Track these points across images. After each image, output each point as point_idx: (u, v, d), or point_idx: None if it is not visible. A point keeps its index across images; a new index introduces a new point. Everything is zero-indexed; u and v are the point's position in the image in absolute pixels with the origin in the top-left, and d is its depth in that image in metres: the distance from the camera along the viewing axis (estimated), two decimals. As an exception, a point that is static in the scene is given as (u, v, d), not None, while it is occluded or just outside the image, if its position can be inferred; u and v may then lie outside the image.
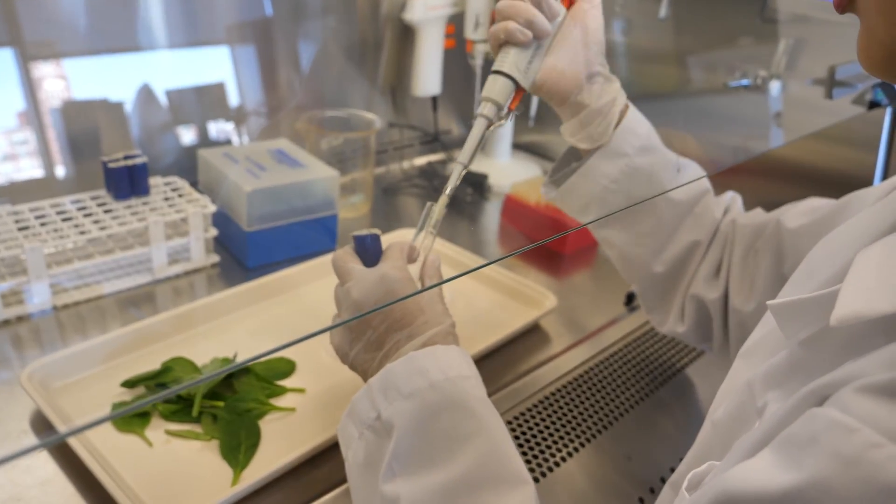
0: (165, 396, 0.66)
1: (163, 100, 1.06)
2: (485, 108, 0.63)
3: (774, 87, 1.06)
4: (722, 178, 1.21)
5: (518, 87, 0.64)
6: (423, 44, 1.18)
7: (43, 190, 0.96)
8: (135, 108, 1.04)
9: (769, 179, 1.20)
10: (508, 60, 0.63)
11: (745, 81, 1.07)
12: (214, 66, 1.12)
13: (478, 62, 1.19)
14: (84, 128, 1.00)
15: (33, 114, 0.96)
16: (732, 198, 0.75)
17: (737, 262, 0.70)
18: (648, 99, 1.28)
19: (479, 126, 0.63)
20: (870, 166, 1.00)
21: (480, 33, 1.16)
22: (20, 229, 0.82)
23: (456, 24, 1.19)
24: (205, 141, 1.12)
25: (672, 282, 0.73)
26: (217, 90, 1.12)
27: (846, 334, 0.37)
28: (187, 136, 1.11)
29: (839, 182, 1.06)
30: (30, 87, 0.95)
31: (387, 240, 0.62)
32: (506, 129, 1.26)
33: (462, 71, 1.23)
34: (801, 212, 0.67)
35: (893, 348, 0.30)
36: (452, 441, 0.48)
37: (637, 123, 0.70)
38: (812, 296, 0.39)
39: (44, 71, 0.96)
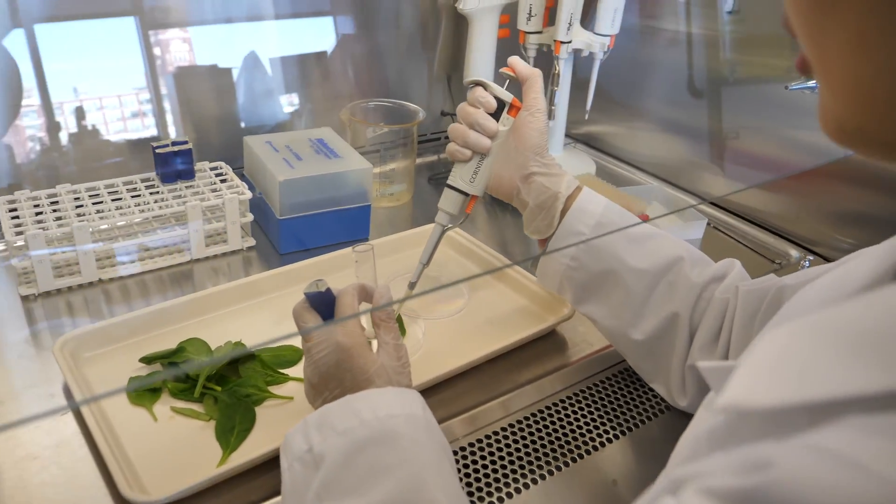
0: (147, 384, 0.73)
1: (232, 79, 1.12)
2: (439, 217, 0.76)
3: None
4: (799, 183, 1.13)
5: (469, 195, 0.75)
6: (476, 33, 1.17)
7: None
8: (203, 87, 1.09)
9: (853, 186, 1.11)
10: (455, 174, 0.75)
11: (812, 83, 1.00)
12: (275, 47, 1.16)
13: (531, 54, 1.17)
14: (193, 97, 1.09)
15: (150, 80, 1.05)
16: (729, 264, 0.73)
17: (738, 329, 0.68)
18: (725, 90, 1.21)
19: (435, 231, 0.76)
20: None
21: (533, 24, 1.14)
22: (76, 207, 0.90)
23: (511, 13, 1.18)
24: (264, 125, 1.17)
25: (659, 351, 0.73)
26: (287, 72, 1.17)
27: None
28: (251, 118, 1.16)
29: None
30: (148, 55, 1.04)
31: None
32: (557, 122, 1.24)
33: (518, 61, 1.21)
34: (804, 271, 0.66)
35: (748, 451, 0.28)
36: (375, 472, 0.52)
37: (589, 203, 0.75)
38: (733, 363, 0.37)
39: (161, 38, 1.04)
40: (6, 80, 0.95)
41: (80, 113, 1.01)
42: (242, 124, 1.15)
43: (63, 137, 1.01)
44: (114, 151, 1.05)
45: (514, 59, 0.76)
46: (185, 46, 1.07)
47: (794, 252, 1.08)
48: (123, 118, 1.06)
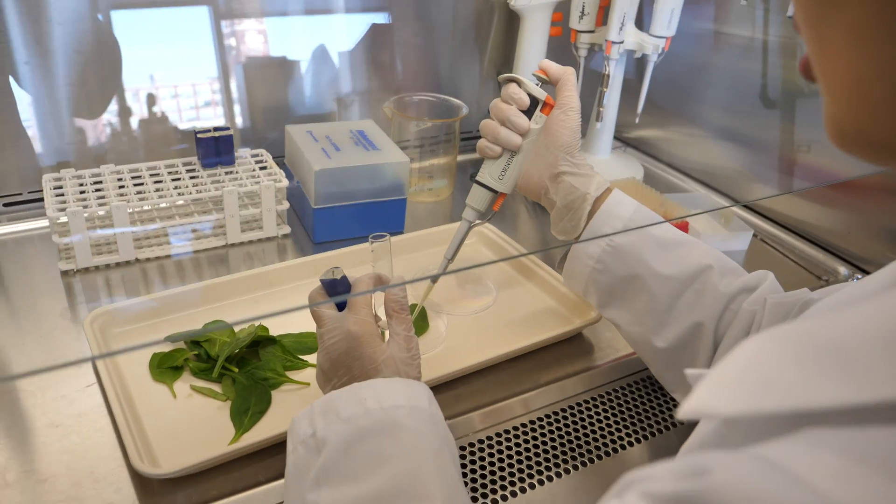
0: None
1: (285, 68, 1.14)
2: (466, 213, 0.75)
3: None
4: (850, 196, 1.07)
5: (497, 192, 0.74)
6: (527, 30, 1.16)
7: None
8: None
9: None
10: (485, 171, 0.74)
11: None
12: (330, 39, 1.18)
13: (581, 53, 1.15)
14: (253, 86, 1.11)
15: (221, 70, 1.08)
16: (762, 276, 0.69)
17: None
18: (785, 98, 1.16)
19: (461, 227, 0.75)
20: None
21: (586, 23, 1.11)
22: (119, 187, 0.92)
23: (564, 11, 1.16)
24: (319, 116, 1.19)
25: (682, 360, 0.70)
26: (338, 62, 1.18)
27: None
28: (310, 108, 1.18)
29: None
30: (219, 45, 1.07)
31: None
32: (606, 124, 1.21)
33: (567, 60, 1.19)
34: (833, 286, 0.62)
35: (696, 457, 0.27)
36: (373, 461, 0.51)
37: (618, 206, 0.73)
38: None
39: (234, 29, 1.07)
40: (107, 59, 0.98)
41: (150, 99, 1.05)
42: (301, 113, 1.17)
43: (133, 122, 1.04)
44: (181, 138, 1.08)
45: (545, 62, 0.75)
46: (257, 38, 1.09)
47: (842, 269, 1.02)
48: (197, 107, 1.09)
